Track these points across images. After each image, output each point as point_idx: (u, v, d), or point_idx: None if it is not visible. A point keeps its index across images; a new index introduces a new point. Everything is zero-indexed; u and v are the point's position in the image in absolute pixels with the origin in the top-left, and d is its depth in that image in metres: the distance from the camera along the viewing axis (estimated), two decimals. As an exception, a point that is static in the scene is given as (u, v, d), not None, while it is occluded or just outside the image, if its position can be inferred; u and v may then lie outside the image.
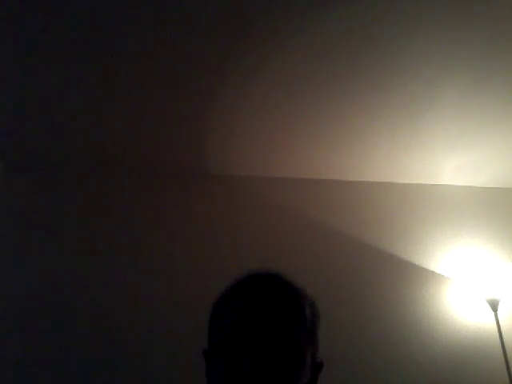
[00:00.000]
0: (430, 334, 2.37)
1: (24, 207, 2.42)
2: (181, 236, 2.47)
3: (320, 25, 1.75)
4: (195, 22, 1.72)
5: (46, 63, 1.87)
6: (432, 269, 2.56)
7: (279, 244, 2.52)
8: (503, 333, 2.35)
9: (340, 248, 2.55)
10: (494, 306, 2.32)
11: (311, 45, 1.85)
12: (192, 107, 2.16)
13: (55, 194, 2.48)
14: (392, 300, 2.44)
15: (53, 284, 2.25)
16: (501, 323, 2.36)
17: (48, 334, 2.14)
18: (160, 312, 2.25)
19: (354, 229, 2.61)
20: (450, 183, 2.84)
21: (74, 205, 2.47)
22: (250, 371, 0.68)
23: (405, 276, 2.52)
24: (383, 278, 2.49)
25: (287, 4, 1.66)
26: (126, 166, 2.57)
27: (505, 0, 1.68)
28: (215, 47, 1.84)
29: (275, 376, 0.69)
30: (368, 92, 2.11)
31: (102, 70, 1.93)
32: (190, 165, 2.59)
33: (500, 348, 2.29)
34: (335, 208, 2.67)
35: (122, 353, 2.15)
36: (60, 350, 2.12)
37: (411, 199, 2.76)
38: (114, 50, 1.83)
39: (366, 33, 1.80)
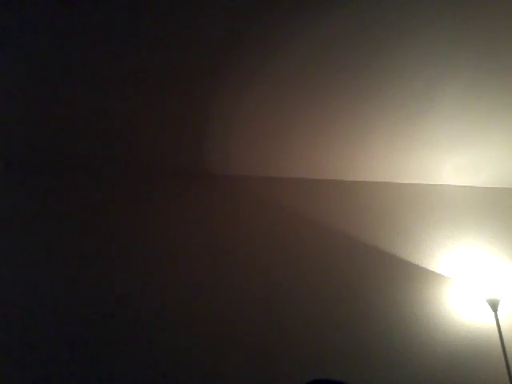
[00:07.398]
0: (429, 334, 2.37)
1: (24, 207, 2.42)
2: (180, 235, 2.47)
3: (319, 25, 1.75)
4: (194, 22, 1.72)
5: (46, 64, 1.88)
6: (432, 269, 2.56)
7: (279, 244, 2.52)
8: (503, 333, 2.35)
9: (340, 248, 2.56)
10: (494, 306, 2.32)
11: (310, 45, 1.85)
12: (192, 107, 2.16)
13: (55, 194, 2.48)
14: (392, 300, 2.44)
15: (53, 283, 2.26)
16: (501, 323, 2.36)
17: (48, 333, 2.15)
18: (160, 311, 2.25)
19: (354, 229, 2.61)
20: (449, 183, 2.84)
21: (73, 205, 2.47)
22: None
23: (405, 276, 2.52)
24: (383, 278, 2.49)
25: (286, 5, 1.66)
26: (126, 166, 2.57)
27: (504, 0, 1.68)
28: (215, 48, 1.84)
29: None
30: (368, 92, 2.11)
31: (102, 71, 1.93)
32: (190, 165, 2.60)
33: (500, 348, 2.30)
34: (335, 208, 2.67)
35: (122, 352, 2.15)
36: (60, 349, 2.12)
37: (411, 199, 2.76)
38: (113, 51, 1.83)
39: (366, 33, 1.80)
